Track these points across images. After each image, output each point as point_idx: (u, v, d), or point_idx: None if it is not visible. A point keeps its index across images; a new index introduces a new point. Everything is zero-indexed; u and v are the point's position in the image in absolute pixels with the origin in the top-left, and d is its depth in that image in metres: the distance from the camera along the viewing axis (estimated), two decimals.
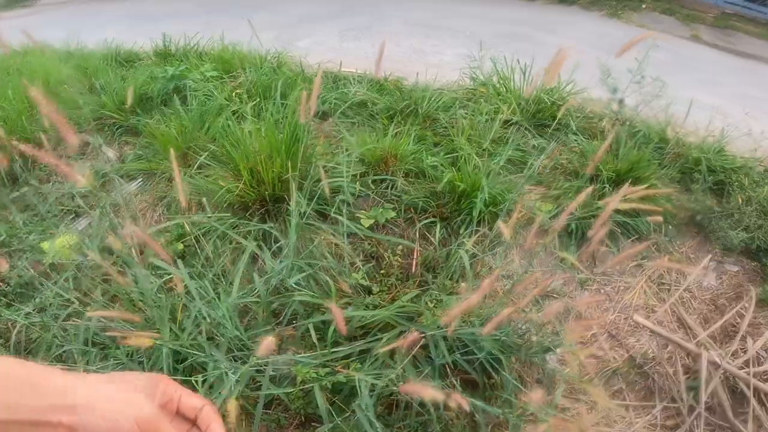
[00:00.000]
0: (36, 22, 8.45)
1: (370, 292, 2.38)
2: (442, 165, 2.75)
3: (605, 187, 2.69)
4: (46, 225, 3.06)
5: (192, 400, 0.66)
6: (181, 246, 2.52)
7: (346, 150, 2.82)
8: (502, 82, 3.47)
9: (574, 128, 3.25)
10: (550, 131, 3.25)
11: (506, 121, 3.25)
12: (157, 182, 3.10)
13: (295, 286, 2.15)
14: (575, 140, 3.16)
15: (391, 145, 2.76)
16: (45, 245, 2.81)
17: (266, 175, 2.46)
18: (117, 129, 3.48)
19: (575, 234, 2.59)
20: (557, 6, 7.62)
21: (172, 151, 1.53)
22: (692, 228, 2.85)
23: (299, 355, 1.82)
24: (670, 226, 2.74)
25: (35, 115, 3.63)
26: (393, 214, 2.56)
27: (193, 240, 2.43)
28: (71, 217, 3.15)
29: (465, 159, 2.74)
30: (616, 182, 2.68)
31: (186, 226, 2.49)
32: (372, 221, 2.51)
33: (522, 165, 2.95)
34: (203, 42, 4.65)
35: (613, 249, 2.62)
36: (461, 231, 2.43)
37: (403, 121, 3.15)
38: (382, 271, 2.46)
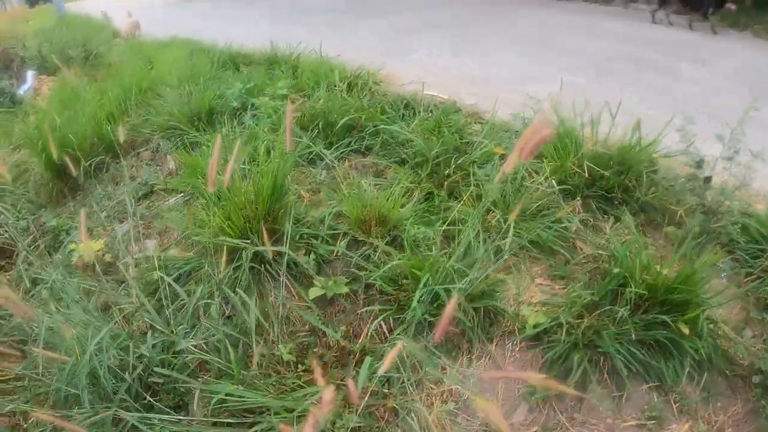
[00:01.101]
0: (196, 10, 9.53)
1: (295, 368, 2.33)
2: (429, 239, 2.50)
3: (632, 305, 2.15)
4: (95, 224, 3.54)
5: None
6: (155, 276, 2.71)
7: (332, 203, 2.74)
8: (565, 128, 2.99)
9: (641, 201, 2.68)
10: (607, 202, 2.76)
11: (560, 182, 2.80)
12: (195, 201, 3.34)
13: (193, 348, 2.20)
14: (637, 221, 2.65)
15: (380, 206, 2.59)
16: (73, 245, 3.27)
17: (236, 220, 2.52)
18: (184, 138, 3.81)
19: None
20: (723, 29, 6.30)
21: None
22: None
23: None
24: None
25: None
26: (345, 289, 2.44)
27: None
28: (120, 220, 3.58)
29: (455, 237, 2.47)
30: (651, 301, 2.14)
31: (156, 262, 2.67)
32: (320, 293, 2.41)
33: (549, 254, 2.53)
34: (317, 47, 4.90)
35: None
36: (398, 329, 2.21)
37: (424, 172, 2.93)
38: (315, 350, 2.37)
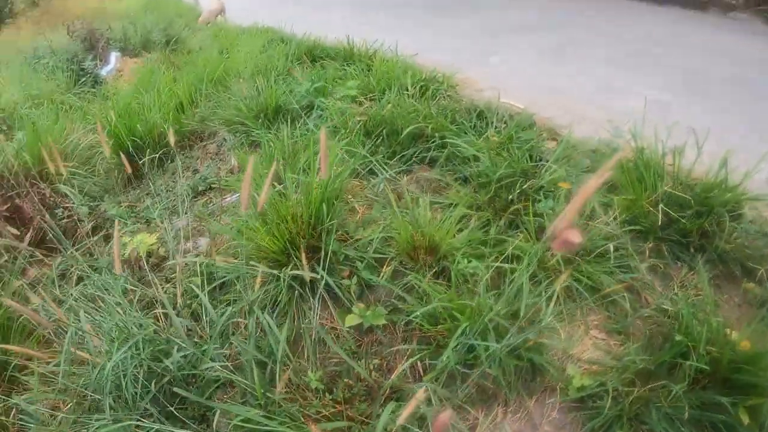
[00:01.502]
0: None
1: (323, 395, 2.27)
2: (478, 274, 2.35)
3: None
4: (153, 216, 3.62)
5: None
6: (198, 280, 2.72)
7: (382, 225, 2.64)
8: (644, 158, 2.74)
9: (720, 249, 2.42)
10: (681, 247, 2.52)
11: (628, 221, 2.58)
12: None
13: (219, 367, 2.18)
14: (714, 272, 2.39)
15: (431, 233, 2.47)
16: (126, 239, 3.34)
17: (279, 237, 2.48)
18: (249, 135, 3.83)
19: None
20: None
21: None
22: None
23: None
24: None
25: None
26: (383, 321, 2.34)
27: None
28: (178, 214, 3.64)
29: (508, 274, 2.32)
30: (713, 376, 1.91)
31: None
32: (357, 321, 2.33)
33: (610, 303, 2.33)
34: (395, 43, 4.85)
35: None
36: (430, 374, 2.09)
37: (485, 196, 2.79)
38: (345, 379, 2.29)
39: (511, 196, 2.79)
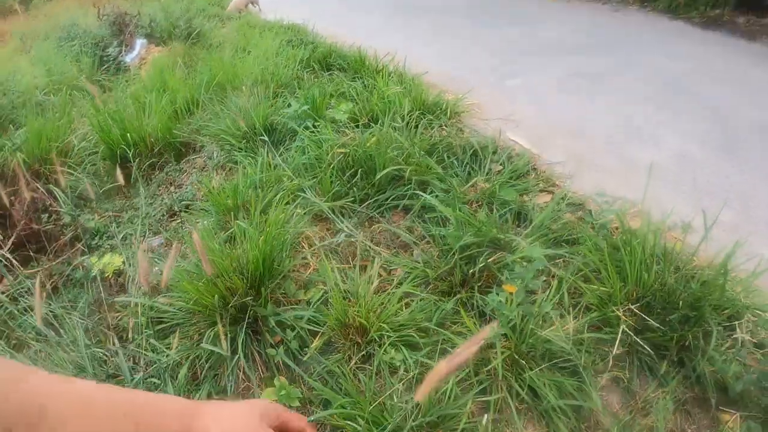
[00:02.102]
0: None
1: None
2: (410, 366, 2.20)
3: None
4: (132, 231, 3.61)
5: (298, 423, 0.83)
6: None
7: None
8: (628, 239, 2.46)
9: (700, 370, 2.18)
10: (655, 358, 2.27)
11: (598, 321, 2.34)
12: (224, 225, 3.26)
13: None
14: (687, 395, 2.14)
15: (362, 310, 2.32)
16: (94, 259, 3.35)
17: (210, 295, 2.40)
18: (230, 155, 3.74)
19: None
20: None
21: None
22: None
23: None
24: None
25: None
26: (296, 403, 2.21)
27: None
28: (155, 232, 3.61)
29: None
30: None
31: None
32: (272, 398, 2.23)
33: (561, 414, 2.11)
34: (414, 52, 4.61)
35: None
36: None
37: (445, 266, 2.58)
38: None
39: (472, 270, 2.56)
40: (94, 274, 3.31)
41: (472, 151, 3.44)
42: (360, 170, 3.20)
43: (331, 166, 3.23)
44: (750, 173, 3.42)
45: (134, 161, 3.99)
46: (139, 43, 6.08)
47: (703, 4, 6.42)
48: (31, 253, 3.81)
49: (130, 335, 2.68)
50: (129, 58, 5.92)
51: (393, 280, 2.65)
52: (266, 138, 3.62)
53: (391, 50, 4.82)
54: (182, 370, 2.38)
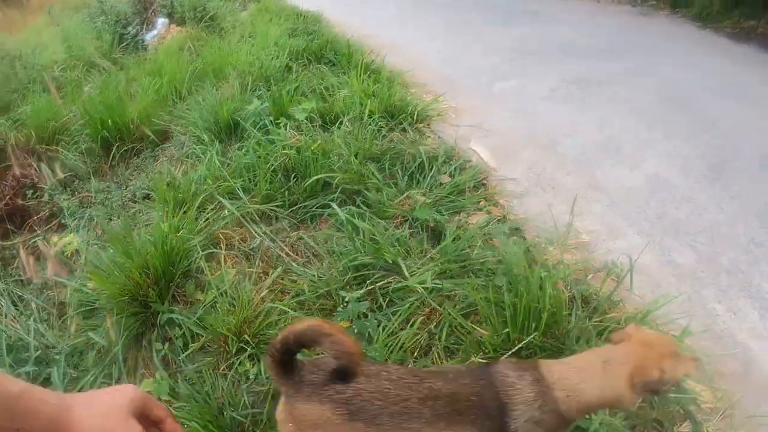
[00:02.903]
0: None
1: None
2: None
3: None
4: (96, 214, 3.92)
5: (160, 413, 0.93)
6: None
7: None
8: None
9: None
10: None
11: None
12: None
13: None
14: None
15: (237, 319, 2.48)
16: (55, 239, 3.68)
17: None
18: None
19: None
20: None
21: None
22: None
23: None
24: None
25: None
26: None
27: None
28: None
29: None
30: None
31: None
32: (148, 388, 2.44)
33: None
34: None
35: None
36: None
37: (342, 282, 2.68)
38: None
39: (357, 294, 2.63)
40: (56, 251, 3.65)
41: (418, 162, 3.44)
42: (293, 175, 3.32)
43: (269, 168, 3.36)
44: (731, 211, 3.20)
45: (115, 145, 4.29)
46: (161, 21, 6.40)
47: (738, 14, 6.00)
48: (9, 227, 4.21)
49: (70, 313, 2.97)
50: (149, 37, 6.25)
51: (292, 290, 2.77)
52: (223, 134, 3.83)
53: (394, 44, 4.88)
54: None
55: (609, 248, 2.93)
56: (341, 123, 3.74)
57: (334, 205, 3.04)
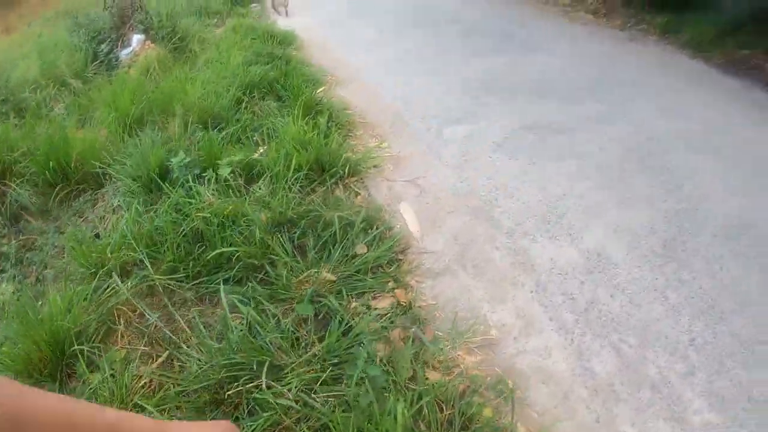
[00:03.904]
0: None
1: None
2: None
3: None
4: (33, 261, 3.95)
5: None
6: None
7: None
8: None
9: None
10: None
11: None
12: None
13: None
14: None
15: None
16: None
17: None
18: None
19: None
20: None
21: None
22: None
23: None
24: None
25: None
26: None
27: None
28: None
29: None
30: None
31: None
32: None
33: None
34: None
35: None
36: None
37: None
38: None
39: (228, 392, 2.55)
40: None
41: (331, 232, 3.28)
42: (198, 244, 3.24)
43: (180, 234, 3.29)
44: (675, 302, 2.90)
45: (58, 186, 4.28)
46: (136, 38, 6.30)
47: (731, 43, 5.61)
48: None
49: None
50: (124, 54, 6.20)
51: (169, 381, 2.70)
52: (153, 185, 3.76)
53: (358, 73, 4.71)
54: None
55: (519, 348, 2.67)
56: (266, 180, 3.63)
57: (221, 290, 2.94)
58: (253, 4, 8.64)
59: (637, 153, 4.12)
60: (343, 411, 2.32)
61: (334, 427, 2.26)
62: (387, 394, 2.38)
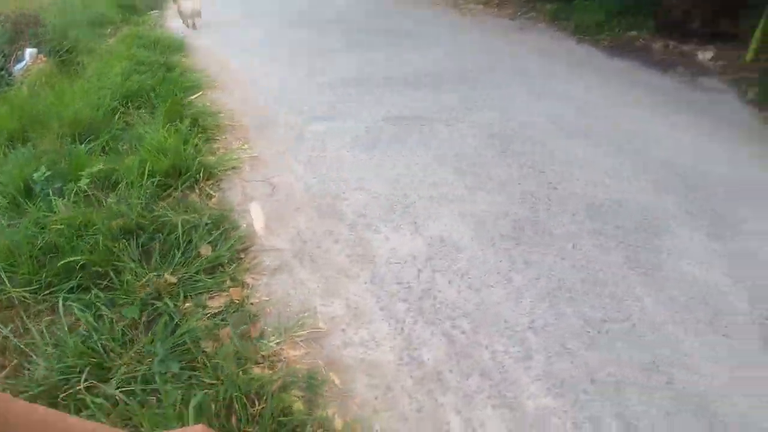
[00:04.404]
0: None
1: None
2: None
3: None
4: None
5: None
6: None
7: None
8: None
9: None
10: None
11: None
12: None
13: None
14: None
15: None
16: None
17: None
18: None
19: None
20: None
21: None
22: None
23: None
24: None
25: None
26: None
27: None
28: None
29: None
30: None
31: None
32: None
33: None
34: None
35: None
36: None
37: None
38: None
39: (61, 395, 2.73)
40: None
41: (177, 232, 3.46)
42: (48, 255, 3.41)
43: (37, 246, 3.45)
44: (520, 284, 3.00)
45: None
46: (28, 52, 6.29)
47: (618, 25, 5.86)
48: None
49: None
50: (17, 69, 6.24)
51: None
52: (20, 199, 3.90)
53: (238, 73, 4.85)
54: None
55: (346, 341, 2.71)
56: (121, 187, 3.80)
57: (60, 299, 3.12)
58: (154, 11, 8.69)
59: (501, 139, 4.29)
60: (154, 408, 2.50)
61: (141, 424, 2.47)
62: (195, 391, 2.56)
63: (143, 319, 3.03)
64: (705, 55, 5.86)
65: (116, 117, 4.75)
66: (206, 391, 2.52)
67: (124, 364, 2.77)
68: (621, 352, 2.59)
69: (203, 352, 2.81)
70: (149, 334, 2.92)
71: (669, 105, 4.98)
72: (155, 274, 3.27)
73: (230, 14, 8.67)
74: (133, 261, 3.34)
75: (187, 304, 3.11)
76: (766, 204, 3.73)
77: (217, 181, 4.00)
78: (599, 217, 3.49)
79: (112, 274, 3.27)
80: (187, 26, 7.64)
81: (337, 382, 2.49)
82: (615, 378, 2.45)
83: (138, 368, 2.73)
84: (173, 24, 7.80)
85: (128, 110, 4.86)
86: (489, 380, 2.41)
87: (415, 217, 3.59)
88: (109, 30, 7.29)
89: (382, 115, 4.77)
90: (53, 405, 2.71)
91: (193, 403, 2.40)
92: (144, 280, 3.25)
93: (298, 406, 2.42)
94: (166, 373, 2.69)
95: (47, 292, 3.30)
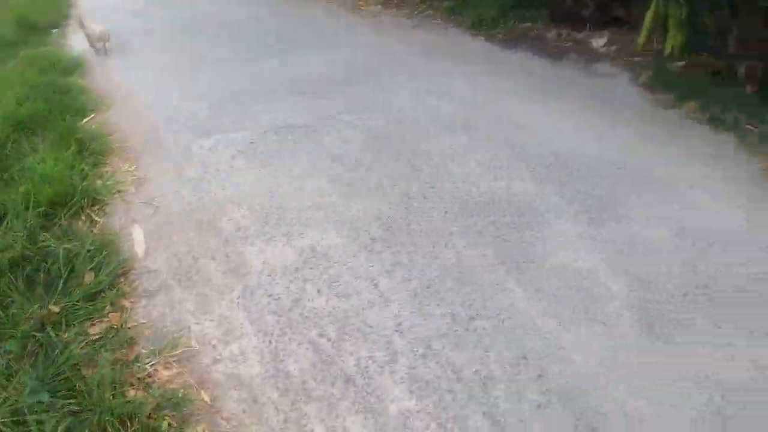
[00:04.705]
0: None
1: None
2: None
3: None
4: None
5: None
6: None
7: None
8: None
9: None
10: None
11: None
12: None
13: None
14: None
15: None
16: None
17: None
18: None
19: None
20: None
21: None
22: None
23: None
24: None
25: None
26: None
27: None
28: None
29: None
30: None
31: None
32: None
33: None
34: None
35: None
36: None
37: None
38: None
39: None
40: None
41: (58, 263, 3.54)
42: None
43: None
44: (386, 288, 3.08)
45: None
46: None
47: (513, 18, 6.06)
48: None
49: None
50: None
51: None
52: None
53: (136, 91, 4.89)
54: None
55: (216, 357, 2.77)
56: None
57: None
58: (55, 29, 8.63)
59: (381, 141, 4.45)
60: None
61: None
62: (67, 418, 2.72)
63: (28, 350, 3.19)
64: (598, 41, 6.12)
65: (9, 146, 4.83)
66: (79, 417, 2.65)
67: (8, 397, 2.93)
68: (489, 348, 2.65)
69: (82, 378, 2.97)
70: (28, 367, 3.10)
71: (559, 92, 5.18)
72: (38, 305, 3.42)
73: (120, 28, 8.52)
74: (20, 293, 3.45)
75: (67, 334, 3.22)
76: (650, 187, 3.90)
77: (102, 206, 4.09)
78: (473, 213, 3.65)
79: None
80: (96, 50, 7.38)
81: (206, 399, 2.56)
82: (482, 375, 2.51)
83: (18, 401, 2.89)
84: (73, 41, 7.72)
85: (20, 138, 4.94)
86: (353, 386, 2.49)
87: (289, 227, 3.71)
88: (10, 52, 7.25)
89: (270, 125, 4.89)
90: None
91: (60, 429, 2.55)
92: (29, 312, 3.42)
93: (165, 425, 2.51)
94: (39, 402, 2.89)
95: None
